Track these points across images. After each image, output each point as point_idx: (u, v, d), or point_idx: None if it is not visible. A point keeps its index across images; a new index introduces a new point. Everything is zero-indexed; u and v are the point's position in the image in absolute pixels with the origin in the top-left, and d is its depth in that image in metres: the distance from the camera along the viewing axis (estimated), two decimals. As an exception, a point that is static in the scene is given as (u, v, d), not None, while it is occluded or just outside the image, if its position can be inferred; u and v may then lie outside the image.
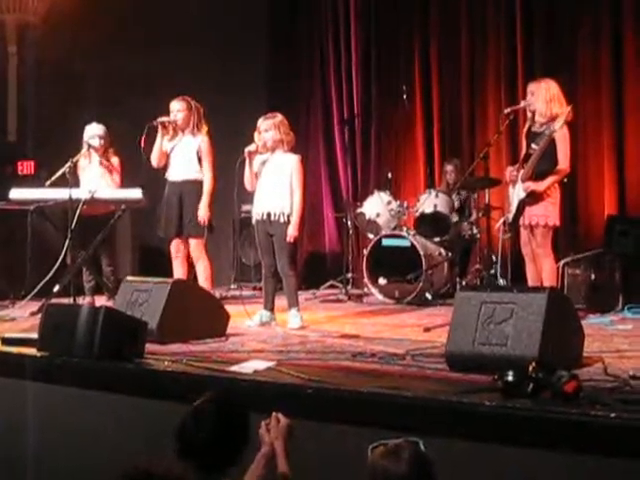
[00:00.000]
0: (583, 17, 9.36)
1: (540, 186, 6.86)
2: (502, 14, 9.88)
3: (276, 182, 7.13)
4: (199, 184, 7.66)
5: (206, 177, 7.65)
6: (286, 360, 5.31)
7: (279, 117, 7.20)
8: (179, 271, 7.73)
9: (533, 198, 6.89)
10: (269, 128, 7.12)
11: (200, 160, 7.68)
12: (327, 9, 11.32)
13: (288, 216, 7.07)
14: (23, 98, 10.11)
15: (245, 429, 3.52)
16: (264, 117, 7.23)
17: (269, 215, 7.12)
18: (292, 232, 7.05)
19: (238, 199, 7.30)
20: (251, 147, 7.13)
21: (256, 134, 7.19)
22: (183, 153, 7.72)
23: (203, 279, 7.64)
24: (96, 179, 8.31)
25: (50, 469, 5.33)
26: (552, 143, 6.85)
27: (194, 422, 3.43)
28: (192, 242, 7.70)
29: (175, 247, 7.77)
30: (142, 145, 7.55)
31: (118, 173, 8.47)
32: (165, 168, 7.81)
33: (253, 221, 7.31)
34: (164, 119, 7.71)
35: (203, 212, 7.58)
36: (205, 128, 7.77)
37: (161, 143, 7.75)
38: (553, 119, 6.84)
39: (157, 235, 7.93)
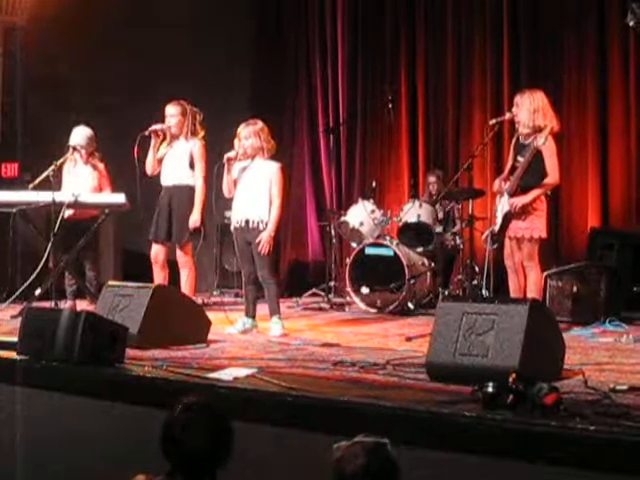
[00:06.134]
0: (569, 32, 9.40)
1: (525, 198, 6.87)
2: (488, 25, 9.91)
3: (255, 189, 7.08)
4: (190, 189, 7.53)
5: (198, 182, 7.53)
6: (266, 368, 5.30)
7: (259, 124, 7.14)
8: (159, 276, 7.65)
9: (520, 211, 6.89)
10: (249, 135, 7.07)
11: (192, 165, 7.57)
12: (314, 18, 11.31)
13: (266, 223, 7.02)
14: (8, 100, 10.07)
15: (230, 435, 3.46)
16: (245, 124, 7.16)
17: (247, 222, 7.08)
18: (265, 238, 6.95)
19: (217, 205, 7.27)
20: (230, 154, 7.09)
21: (236, 141, 7.13)
22: (174, 158, 7.61)
23: (187, 286, 7.51)
24: (81, 183, 8.28)
25: (28, 473, 5.30)
26: (539, 156, 6.86)
27: (184, 433, 3.35)
28: (179, 248, 7.62)
29: (155, 252, 7.66)
30: (135, 155, 7.45)
31: (105, 178, 8.43)
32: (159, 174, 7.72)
33: (232, 228, 7.27)
34: (157, 127, 7.60)
35: (195, 218, 7.47)
36: (201, 133, 7.65)
37: (155, 151, 7.65)
38: (538, 131, 6.83)
39: (140, 240, 7.87)
